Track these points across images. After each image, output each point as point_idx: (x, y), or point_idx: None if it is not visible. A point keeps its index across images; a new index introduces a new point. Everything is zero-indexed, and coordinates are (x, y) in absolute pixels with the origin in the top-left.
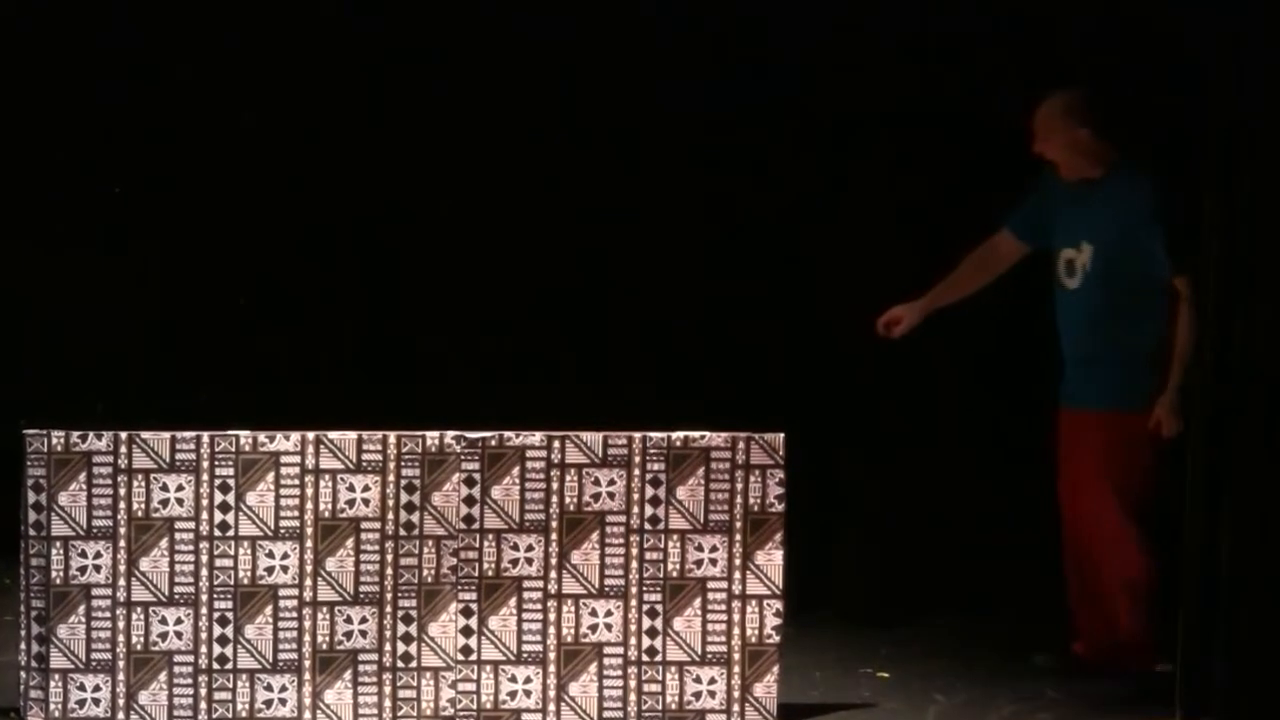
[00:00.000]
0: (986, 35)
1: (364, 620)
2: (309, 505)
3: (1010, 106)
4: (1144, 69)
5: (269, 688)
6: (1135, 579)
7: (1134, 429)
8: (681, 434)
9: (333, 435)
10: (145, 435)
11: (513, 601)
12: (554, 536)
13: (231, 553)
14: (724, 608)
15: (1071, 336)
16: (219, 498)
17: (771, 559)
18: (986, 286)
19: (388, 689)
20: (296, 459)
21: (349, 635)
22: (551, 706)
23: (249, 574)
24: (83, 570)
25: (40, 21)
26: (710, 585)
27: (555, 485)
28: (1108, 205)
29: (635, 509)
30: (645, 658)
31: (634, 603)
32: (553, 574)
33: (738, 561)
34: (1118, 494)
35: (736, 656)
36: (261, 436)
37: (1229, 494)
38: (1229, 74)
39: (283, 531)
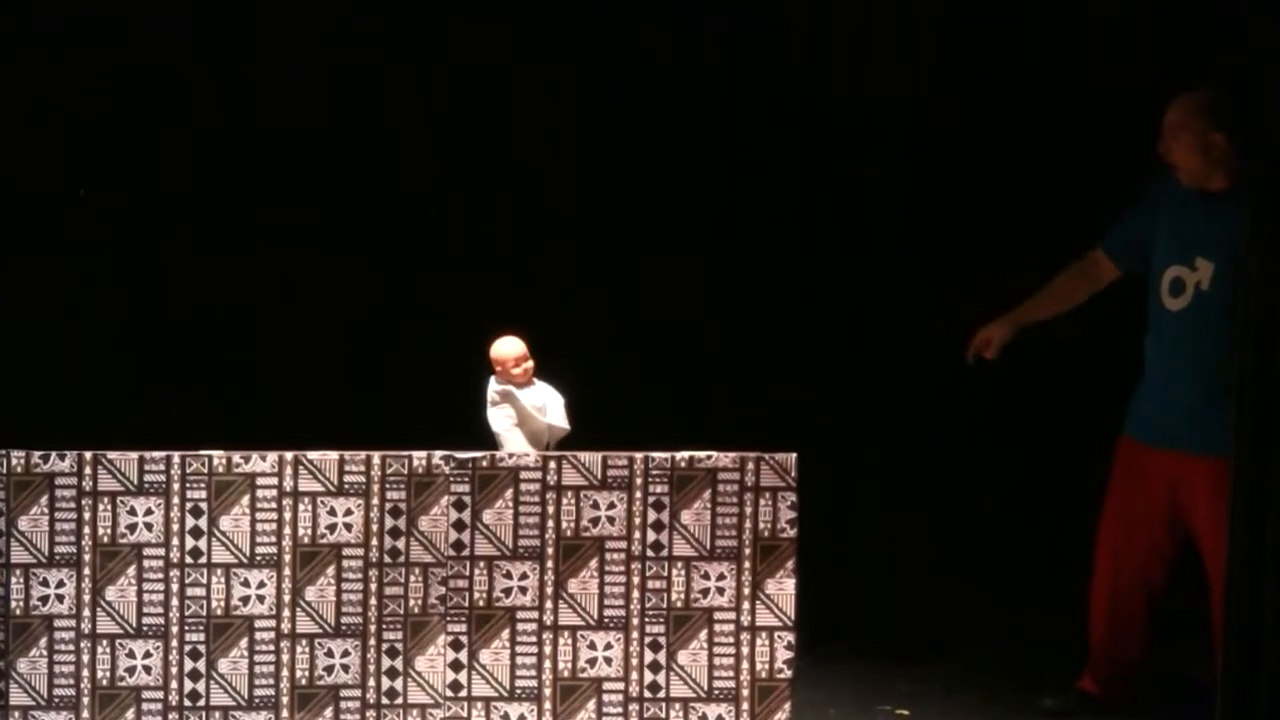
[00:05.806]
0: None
1: (346, 654)
2: (287, 530)
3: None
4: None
5: None
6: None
7: None
8: (686, 454)
9: (312, 455)
10: (111, 455)
11: (505, 633)
12: (549, 564)
13: (204, 581)
14: (732, 640)
15: (1178, 367)
16: (190, 522)
17: (783, 588)
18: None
19: None
20: (274, 481)
21: (330, 670)
22: None
23: (222, 604)
24: (44, 600)
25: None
26: (717, 616)
27: (551, 509)
28: (1239, 222)
29: (637, 534)
30: (648, 693)
31: (635, 635)
32: (548, 604)
33: (747, 591)
34: None
35: (745, 692)
36: (236, 457)
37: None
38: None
39: (259, 558)
